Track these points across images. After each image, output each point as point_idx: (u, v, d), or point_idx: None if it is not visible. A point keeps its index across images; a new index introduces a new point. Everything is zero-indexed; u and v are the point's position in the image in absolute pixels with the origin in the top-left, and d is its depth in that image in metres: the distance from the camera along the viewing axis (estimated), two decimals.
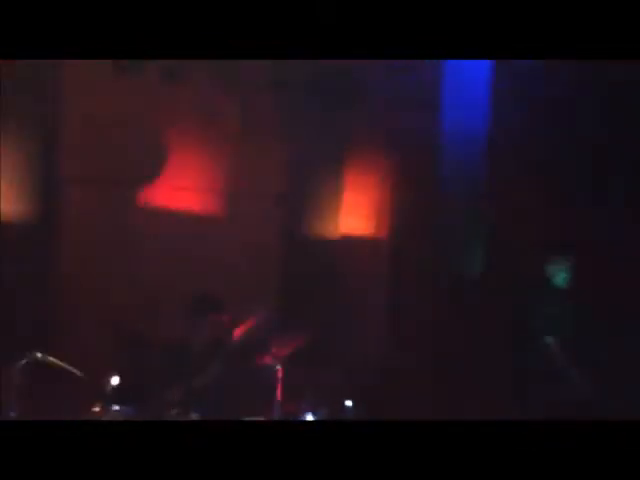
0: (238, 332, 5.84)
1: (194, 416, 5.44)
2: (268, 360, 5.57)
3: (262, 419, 5.30)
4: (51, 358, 5.39)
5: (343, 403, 5.93)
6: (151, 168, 6.66)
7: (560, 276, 6.35)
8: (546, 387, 6.13)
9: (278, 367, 5.49)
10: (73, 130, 6.58)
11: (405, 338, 6.69)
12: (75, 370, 5.33)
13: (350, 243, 6.83)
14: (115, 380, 5.51)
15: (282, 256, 6.77)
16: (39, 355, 5.55)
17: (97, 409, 5.40)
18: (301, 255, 6.73)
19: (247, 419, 5.09)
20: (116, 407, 5.41)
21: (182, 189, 6.76)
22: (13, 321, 6.35)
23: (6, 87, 6.27)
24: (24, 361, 5.41)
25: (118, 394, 5.49)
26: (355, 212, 6.88)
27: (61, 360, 6.18)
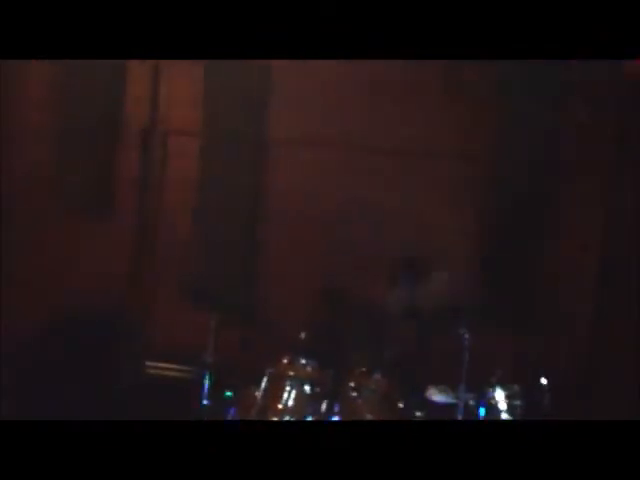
0: (434, 298, 5.80)
1: (376, 377, 5.45)
2: (459, 327, 5.41)
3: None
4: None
5: (537, 379, 5.68)
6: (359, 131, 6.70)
7: None
8: None
9: (467, 335, 5.34)
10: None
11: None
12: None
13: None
14: (305, 334, 5.63)
15: (486, 227, 6.56)
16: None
17: (285, 360, 5.53)
18: (507, 227, 6.50)
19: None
20: (303, 360, 5.50)
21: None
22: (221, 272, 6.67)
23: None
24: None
25: (307, 348, 5.60)
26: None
27: (263, 309, 6.46)
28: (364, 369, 5.49)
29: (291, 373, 5.45)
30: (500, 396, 5.50)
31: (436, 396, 5.52)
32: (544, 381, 5.63)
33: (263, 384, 5.46)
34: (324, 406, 5.43)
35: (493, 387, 5.50)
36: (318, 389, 5.44)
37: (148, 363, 6.66)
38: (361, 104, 6.64)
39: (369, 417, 5.34)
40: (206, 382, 5.57)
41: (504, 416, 5.42)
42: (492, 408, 5.45)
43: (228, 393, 5.63)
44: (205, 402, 5.56)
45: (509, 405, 5.47)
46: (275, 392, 5.43)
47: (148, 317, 6.87)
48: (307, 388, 5.43)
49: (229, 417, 5.44)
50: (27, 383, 6.43)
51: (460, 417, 5.30)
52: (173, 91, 6.87)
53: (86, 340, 6.66)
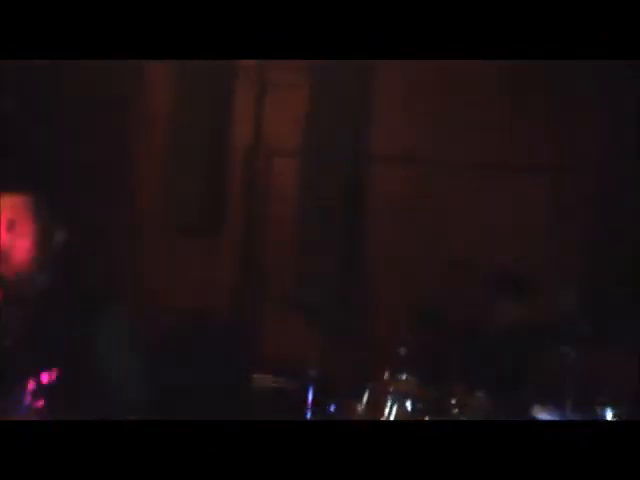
0: (537, 315, 5.69)
1: (479, 395, 5.36)
2: (564, 345, 5.29)
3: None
4: None
5: None
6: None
7: None
8: None
9: (571, 353, 5.20)
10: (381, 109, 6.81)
11: None
12: None
13: None
14: (404, 350, 5.59)
15: (596, 238, 6.39)
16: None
17: (386, 375, 5.51)
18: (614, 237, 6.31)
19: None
20: (404, 376, 5.47)
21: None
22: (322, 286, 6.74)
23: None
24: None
25: (406, 364, 5.56)
26: None
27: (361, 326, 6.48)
28: (466, 386, 5.42)
29: (392, 388, 5.42)
30: (609, 416, 5.34)
31: (542, 415, 5.40)
32: None
33: (365, 398, 5.46)
34: None
35: (602, 406, 5.34)
36: (420, 405, 5.39)
37: (256, 376, 6.75)
38: (462, 119, 6.62)
39: None
40: (310, 395, 5.61)
41: None
42: None
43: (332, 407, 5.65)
44: (309, 415, 5.59)
45: None
46: (376, 407, 5.41)
47: (253, 330, 6.98)
48: (408, 404, 5.39)
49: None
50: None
51: None
52: (277, 111, 7.02)
53: (195, 353, 6.82)
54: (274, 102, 7.02)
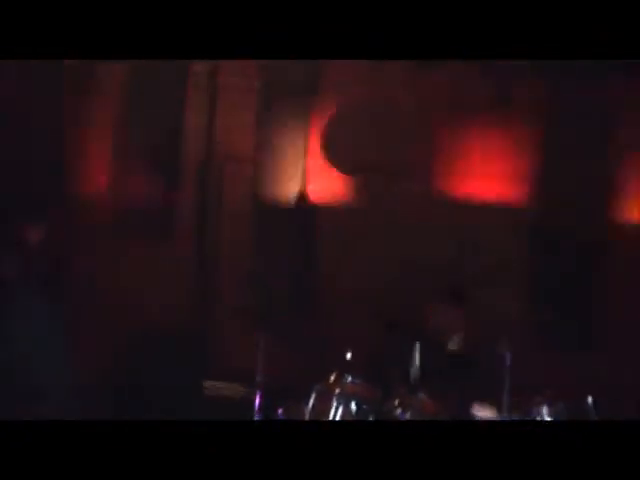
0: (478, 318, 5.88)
1: (421, 396, 5.53)
2: (501, 349, 5.48)
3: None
4: None
5: (584, 399, 5.69)
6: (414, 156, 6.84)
7: None
8: None
9: (509, 354, 5.40)
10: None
11: None
12: None
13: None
14: (351, 354, 5.74)
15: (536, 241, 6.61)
16: None
17: (332, 378, 5.65)
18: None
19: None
20: (349, 378, 5.62)
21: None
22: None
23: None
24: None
25: (354, 367, 5.71)
26: None
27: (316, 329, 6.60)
28: (408, 387, 5.58)
29: (337, 390, 5.56)
30: (545, 414, 5.53)
31: (480, 414, 5.58)
32: (590, 400, 5.64)
33: (311, 401, 5.59)
34: None
35: (539, 405, 5.53)
36: (364, 406, 5.54)
37: (206, 384, 6.84)
38: (404, 128, 6.80)
39: None
40: (257, 400, 5.73)
41: None
42: None
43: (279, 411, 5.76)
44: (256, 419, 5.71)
45: None
46: (322, 409, 5.55)
47: (204, 337, 7.08)
48: (353, 405, 5.54)
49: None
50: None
51: None
52: (228, 119, 7.13)
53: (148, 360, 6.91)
54: (226, 107, 7.13)
